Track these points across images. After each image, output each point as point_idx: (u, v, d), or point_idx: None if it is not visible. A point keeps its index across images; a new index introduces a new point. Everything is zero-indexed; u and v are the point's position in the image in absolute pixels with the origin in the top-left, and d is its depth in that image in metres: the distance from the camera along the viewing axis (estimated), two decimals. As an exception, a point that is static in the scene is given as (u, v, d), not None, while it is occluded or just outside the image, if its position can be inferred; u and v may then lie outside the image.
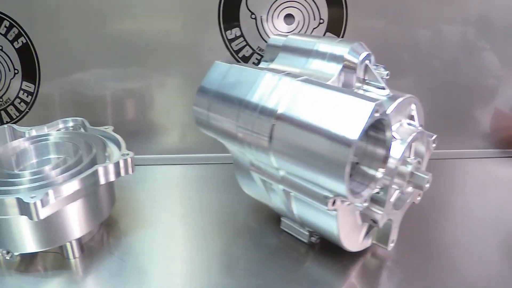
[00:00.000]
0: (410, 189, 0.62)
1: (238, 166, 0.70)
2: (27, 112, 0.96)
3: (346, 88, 0.62)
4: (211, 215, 0.81)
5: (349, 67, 0.62)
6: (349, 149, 0.49)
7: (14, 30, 0.91)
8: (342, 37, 0.89)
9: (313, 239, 0.70)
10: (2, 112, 0.96)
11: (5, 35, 0.91)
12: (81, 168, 0.66)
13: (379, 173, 0.58)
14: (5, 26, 0.91)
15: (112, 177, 0.68)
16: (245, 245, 0.72)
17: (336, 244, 0.65)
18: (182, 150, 1.00)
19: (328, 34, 0.89)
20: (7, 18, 0.90)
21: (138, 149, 0.91)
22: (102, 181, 0.67)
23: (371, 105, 0.51)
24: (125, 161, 0.68)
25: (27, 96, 0.95)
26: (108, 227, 0.76)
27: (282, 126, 0.56)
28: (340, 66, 0.63)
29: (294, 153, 0.56)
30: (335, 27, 0.90)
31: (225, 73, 0.64)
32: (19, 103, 0.95)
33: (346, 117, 0.51)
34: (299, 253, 0.69)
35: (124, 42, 0.93)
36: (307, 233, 0.70)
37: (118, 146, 0.74)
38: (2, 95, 0.96)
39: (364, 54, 0.62)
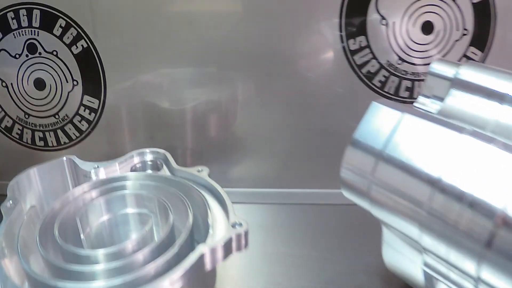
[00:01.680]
0: None
1: (393, 246, 0.51)
2: (90, 132, 0.75)
3: None
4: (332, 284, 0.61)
5: None
6: None
7: (72, 31, 0.70)
8: (488, 52, 0.68)
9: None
10: (59, 131, 0.76)
11: (60, 38, 0.70)
12: (179, 250, 0.47)
13: None
14: (61, 26, 0.70)
15: (220, 259, 0.48)
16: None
17: None
18: (283, 183, 0.79)
19: (471, 48, 0.66)
20: (63, 16, 0.69)
21: (227, 181, 0.76)
22: (207, 266, 0.48)
23: None
24: (238, 236, 0.49)
25: (89, 114, 0.74)
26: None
27: (510, 235, 0.35)
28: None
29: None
30: (481, 39, 0.68)
31: (394, 125, 0.42)
32: (80, 122, 0.75)
33: None
34: None
35: (208, 44, 0.73)
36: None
37: (221, 203, 0.53)
38: (59, 111, 0.75)
39: None
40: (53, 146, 0.80)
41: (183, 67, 0.75)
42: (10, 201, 0.56)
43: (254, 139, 0.77)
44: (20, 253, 0.48)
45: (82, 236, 0.54)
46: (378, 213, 0.46)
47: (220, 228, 0.51)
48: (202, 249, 0.46)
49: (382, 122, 0.44)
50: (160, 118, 0.77)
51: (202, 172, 0.59)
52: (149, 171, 0.66)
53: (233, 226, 0.50)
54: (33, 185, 0.62)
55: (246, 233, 0.49)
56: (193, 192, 0.55)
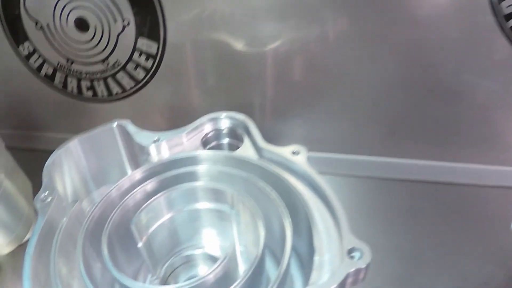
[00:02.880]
0: None
1: None
2: (148, 81, 0.59)
3: None
4: None
5: None
6: None
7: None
8: None
9: None
10: (110, 80, 0.60)
11: (104, -37, 0.52)
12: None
13: None
14: None
15: None
16: None
17: None
18: (387, 152, 0.63)
19: None
20: None
21: (313, 142, 0.62)
22: None
23: None
24: (357, 271, 0.34)
25: (146, 60, 0.57)
26: None
27: None
28: None
29: None
30: None
31: None
32: (134, 69, 0.59)
33: None
34: None
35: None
36: None
37: (327, 204, 0.38)
38: (108, 57, 0.59)
39: None
40: (103, 96, 0.64)
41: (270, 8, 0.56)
42: (46, 191, 0.41)
43: (351, 94, 0.59)
44: (59, 286, 0.34)
45: (139, 244, 0.39)
46: None
47: (329, 252, 0.35)
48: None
49: None
50: (234, 62, 0.60)
51: (299, 156, 0.42)
52: (226, 140, 0.49)
53: (350, 254, 0.35)
54: (75, 163, 0.47)
55: (367, 267, 0.32)
56: (292, 194, 0.38)
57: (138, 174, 0.42)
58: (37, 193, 0.41)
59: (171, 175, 0.42)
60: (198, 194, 0.42)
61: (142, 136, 0.47)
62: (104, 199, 0.40)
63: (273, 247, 0.42)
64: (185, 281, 0.44)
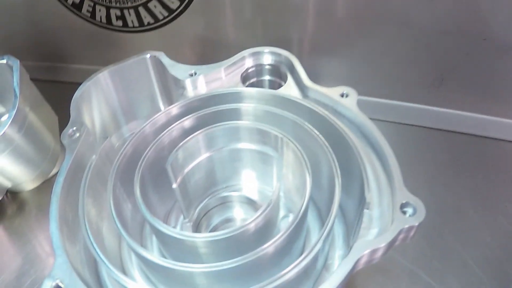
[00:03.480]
0: None
1: None
2: (182, 11, 0.54)
3: None
4: None
5: None
6: None
7: None
8: None
9: None
10: (141, 9, 0.55)
11: None
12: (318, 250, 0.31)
13: None
14: None
15: (377, 259, 0.32)
16: None
17: None
18: (434, 101, 0.58)
19: None
20: None
21: (356, 84, 0.49)
22: (360, 267, 0.32)
23: None
24: (409, 228, 0.31)
25: (180, -13, 0.52)
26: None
27: None
28: None
29: None
30: None
31: None
32: (168, -2, 0.54)
33: None
34: None
35: None
36: None
37: (379, 158, 0.34)
38: (139, -17, 0.54)
39: None
40: (134, 26, 0.60)
41: None
42: (74, 127, 0.38)
43: (398, 35, 0.54)
44: (87, 227, 0.31)
45: (174, 185, 0.36)
46: None
47: (379, 206, 0.32)
48: (360, 252, 0.30)
49: None
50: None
51: (348, 99, 0.38)
52: (268, 77, 0.45)
53: (402, 209, 0.32)
54: (104, 97, 0.44)
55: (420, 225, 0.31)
56: (342, 139, 0.34)
57: (174, 109, 0.38)
58: (63, 128, 0.38)
59: (211, 111, 0.38)
60: (240, 134, 0.38)
61: (177, 69, 0.43)
62: (137, 136, 0.36)
63: (314, 195, 0.39)
64: (218, 223, 0.42)
